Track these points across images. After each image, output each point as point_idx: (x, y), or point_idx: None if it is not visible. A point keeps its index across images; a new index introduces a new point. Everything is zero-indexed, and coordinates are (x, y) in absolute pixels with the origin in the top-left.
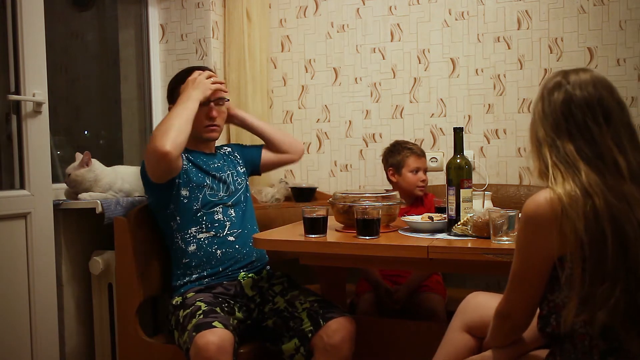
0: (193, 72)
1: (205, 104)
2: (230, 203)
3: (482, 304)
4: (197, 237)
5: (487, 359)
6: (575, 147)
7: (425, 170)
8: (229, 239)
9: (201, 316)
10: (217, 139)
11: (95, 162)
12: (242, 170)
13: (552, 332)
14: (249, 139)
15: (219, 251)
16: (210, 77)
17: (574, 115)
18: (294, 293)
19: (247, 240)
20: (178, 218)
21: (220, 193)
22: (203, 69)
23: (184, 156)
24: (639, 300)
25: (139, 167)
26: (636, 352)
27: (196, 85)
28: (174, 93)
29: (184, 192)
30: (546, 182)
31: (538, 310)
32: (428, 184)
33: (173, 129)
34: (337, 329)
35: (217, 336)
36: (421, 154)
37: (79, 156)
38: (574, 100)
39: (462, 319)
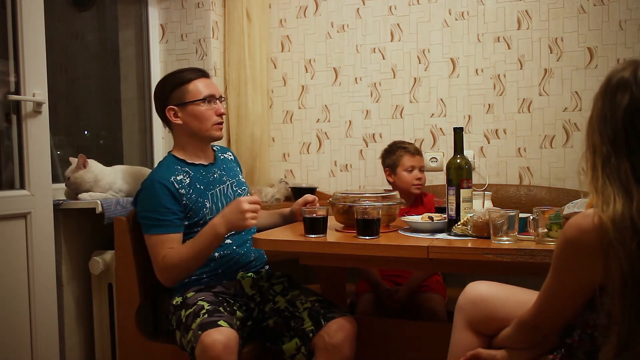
0: (188, 80)
1: (212, 100)
2: None
3: (484, 298)
4: None
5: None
6: (631, 167)
7: (422, 169)
8: (226, 241)
9: (205, 315)
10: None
11: (92, 163)
12: (242, 179)
13: (572, 345)
14: (249, 139)
15: (216, 254)
16: (255, 202)
17: (637, 128)
18: (294, 293)
19: (244, 241)
20: None
21: (221, 210)
22: (203, 73)
23: (184, 180)
24: None
25: (139, 168)
26: None
27: (236, 221)
28: (165, 97)
29: (185, 222)
30: (594, 195)
31: None
32: (428, 184)
33: (185, 274)
34: (338, 329)
35: (223, 335)
36: (415, 153)
37: (73, 160)
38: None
39: (464, 316)
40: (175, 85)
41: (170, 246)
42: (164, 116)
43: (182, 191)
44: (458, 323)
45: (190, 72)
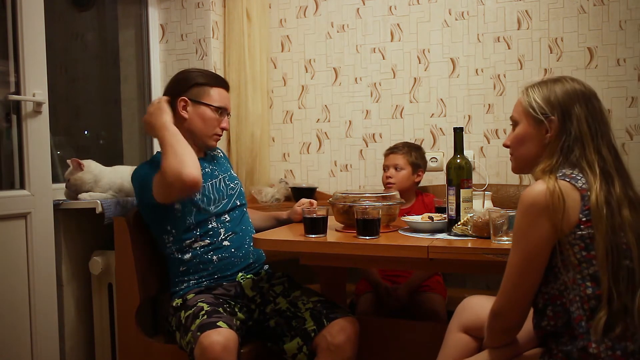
0: (213, 85)
1: (223, 113)
2: (224, 210)
3: (479, 305)
4: (193, 246)
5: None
6: (611, 155)
7: (396, 167)
8: (224, 244)
9: (205, 316)
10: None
11: (90, 163)
12: (234, 174)
13: (548, 324)
14: (249, 139)
15: (215, 257)
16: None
17: (606, 123)
18: (295, 294)
19: (242, 242)
20: (173, 231)
21: (214, 202)
22: (227, 86)
23: None
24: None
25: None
26: None
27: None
28: (185, 87)
29: (177, 206)
30: (550, 175)
31: (532, 311)
32: (428, 184)
33: (195, 159)
34: (340, 329)
35: (222, 336)
36: (389, 152)
37: (70, 163)
38: (603, 109)
39: (459, 320)
40: (199, 81)
41: None
42: (174, 104)
43: None
44: (453, 325)
45: (217, 79)
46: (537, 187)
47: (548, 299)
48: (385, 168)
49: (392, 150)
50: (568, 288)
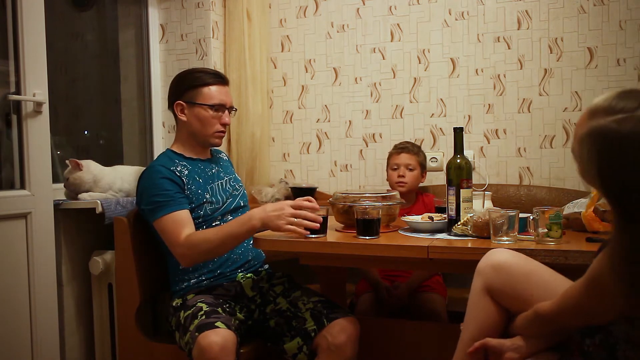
0: (205, 84)
1: (220, 109)
2: (227, 210)
3: (505, 266)
4: None
5: (520, 348)
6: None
7: (408, 167)
8: None
9: (203, 317)
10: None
11: (89, 163)
12: (238, 177)
13: (589, 347)
14: (249, 139)
15: None
16: (300, 208)
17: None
18: (296, 294)
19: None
20: None
21: (220, 205)
22: (222, 80)
23: (183, 171)
24: None
25: (139, 168)
26: None
27: (274, 217)
28: (179, 92)
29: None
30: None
31: None
32: (428, 184)
33: (207, 258)
34: (341, 330)
35: (220, 336)
36: (400, 151)
37: (68, 163)
38: None
39: (483, 280)
40: (191, 84)
41: (183, 223)
42: (172, 110)
43: (184, 179)
44: (477, 286)
45: (209, 76)
46: None
47: (606, 330)
48: (395, 167)
49: (403, 150)
50: None
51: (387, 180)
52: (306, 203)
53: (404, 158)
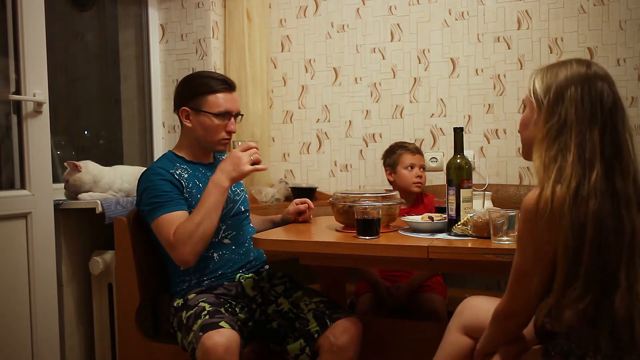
0: (211, 91)
1: (226, 116)
2: (227, 215)
3: (479, 306)
4: None
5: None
6: (600, 142)
7: (422, 167)
8: (224, 241)
9: (207, 317)
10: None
11: (89, 164)
12: (241, 181)
13: (543, 326)
14: (249, 139)
15: (215, 254)
16: (248, 148)
17: (606, 108)
18: (297, 294)
19: (242, 241)
20: None
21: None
22: (229, 87)
23: (183, 174)
24: (610, 307)
25: (139, 168)
26: (607, 350)
27: (234, 167)
28: (184, 98)
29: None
30: (548, 174)
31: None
32: (428, 184)
33: (203, 241)
34: (344, 331)
35: (224, 337)
36: (415, 151)
37: (67, 165)
38: (612, 93)
39: (459, 320)
40: (197, 90)
41: (175, 223)
42: (177, 114)
43: (183, 182)
44: (452, 325)
45: (216, 82)
46: (531, 194)
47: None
48: (410, 167)
49: (417, 150)
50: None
51: (394, 180)
52: (251, 143)
53: (419, 159)
